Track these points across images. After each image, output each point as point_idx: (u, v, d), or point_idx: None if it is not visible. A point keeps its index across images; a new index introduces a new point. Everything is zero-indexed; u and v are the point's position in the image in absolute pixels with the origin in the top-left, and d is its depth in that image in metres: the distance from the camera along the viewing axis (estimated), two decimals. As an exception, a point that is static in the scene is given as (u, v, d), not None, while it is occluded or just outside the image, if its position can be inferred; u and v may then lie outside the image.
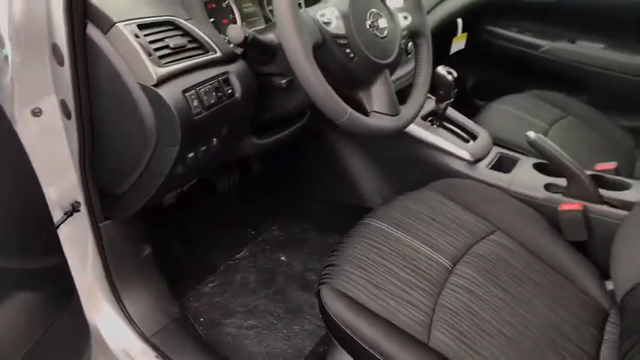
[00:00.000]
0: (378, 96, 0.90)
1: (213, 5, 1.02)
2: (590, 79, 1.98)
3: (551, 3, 1.99)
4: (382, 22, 0.90)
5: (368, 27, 0.88)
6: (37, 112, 0.87)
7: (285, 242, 1.59)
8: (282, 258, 1.54)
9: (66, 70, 0.83)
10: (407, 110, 0.96)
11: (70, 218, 1.00)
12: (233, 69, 0.93)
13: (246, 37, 0.84)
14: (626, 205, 1.09)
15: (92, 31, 0.81)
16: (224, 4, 1.04)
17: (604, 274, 1.05)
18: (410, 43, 1.04)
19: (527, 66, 2.10)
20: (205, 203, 1.57)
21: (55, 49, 0.83)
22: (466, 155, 1.29)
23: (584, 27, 1.99)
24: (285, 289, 1.42)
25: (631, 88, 1.87)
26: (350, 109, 0.82)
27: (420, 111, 1.02)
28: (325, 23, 0.84)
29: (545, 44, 2.04)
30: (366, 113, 0.89)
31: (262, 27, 1.09)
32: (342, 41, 0.85)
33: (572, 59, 2.00)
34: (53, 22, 0.80)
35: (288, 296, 1.40)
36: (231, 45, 0.94)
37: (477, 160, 1.30)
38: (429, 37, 1.05)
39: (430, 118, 1.38)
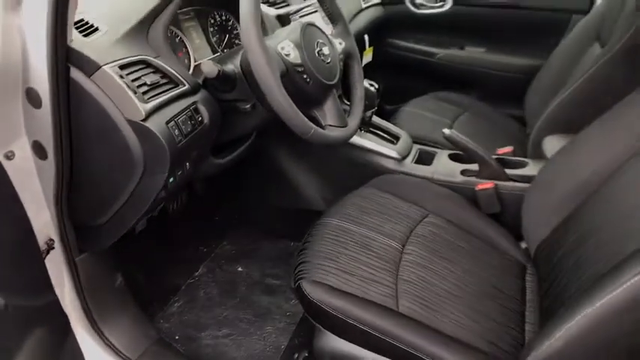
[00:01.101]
0: (329, 112, 1.07)
1: (169, 40, 1.11)
2: (478, 79, 2.31)
3: (442, 16, 2.28)
4: (326, 50, 1.07)
5: (317, 55, 1.04)
6: (9, 156, 0.90)
7: (239, 254, 1.70)
8: (240, 269, 1.64)
9: (44, 113, 0.88)
10: (352, 121, 1.14)
11: (48, 255, 1.03)
12: (199, 98, 1.03)
13: (219, 71, 0.97)
14: (527, 179, 1.34)
15: (75, 74, 0.87)
16: (177, 40, 1.14)
17: (518, 236, 1.28)
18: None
19: (426, 72, 2.39)
20: (157, 227, 1.63)
21: (30, 93, 0.87)
22: (394, 154, 1.48)
23: (470, 36, 2.32)
24: (249, 297, 1.52)
25: (510, 83, 2.21)
26: (314, 126, 0.97)
27: (361, 119, 1.19)
28: (286, 55, 0.98)
29: (440, 52, 2.34)
30: (322, 127, 1.05)
31: (217, 58, 1.19)
32: (299, 69, 1.00)
33: (462, 63, 2.32)
34: (30, 67, 0.85)
35: (253, 302, 1.50)
36: (201, 76, 1.05)
37: (404, 158, 1.50)
38: (358, 57, 1.23)
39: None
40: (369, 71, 2.21)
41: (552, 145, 1.44)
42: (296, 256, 1.13)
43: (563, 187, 1.14)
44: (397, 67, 2.43)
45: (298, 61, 0.99)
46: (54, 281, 1.05)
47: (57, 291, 1.08)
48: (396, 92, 2.25)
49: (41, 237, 1.01)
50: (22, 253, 0.97)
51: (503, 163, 1.44)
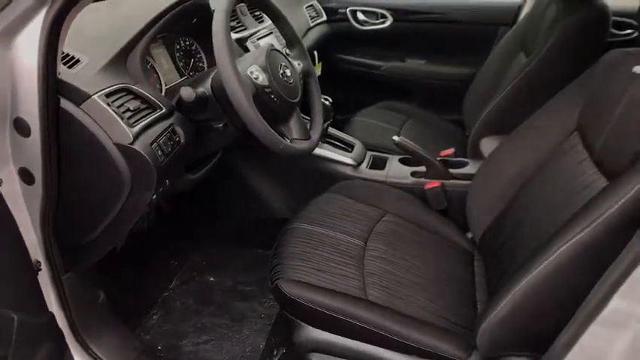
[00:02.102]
0: (295, 127, 1.19)
1: (143, 68, 1.18)
2: (419, 88, 2.51)
3: (383, 32, 2.48)
4: (288, 72, 1.19)
5: (281, 76, 1.16)
6: None
7: (209, 265, 1.78)
8: (212, 279, 1.72)
9: (33, 141, 0.93)
10: (314, 133, 1.26)
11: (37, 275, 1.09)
12: (175, 120, 1.13)
13: (196, 96, 1.07)
14: (469, 177, 1.51)
15: (65, 104, 0.94)
16: (148, 66, 1.23)
17: (464, 228, 1.45)
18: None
19: (372, 83, 2.56)
20: (130, 244, 1.68)
21: (18, 122, 0.93)
22: (351, 161, 1.62)
23: (410, 49, 2.52)
24: (224, 303, 1.61)
25: (448, 91, 2.42)
26: (283, 140, 1.09)
27: (322, 132, 1.32)
28: (255, 78, 1.10)
29: (383, 64, 2.53)
30: (289, 140, 1.18)
31: (188, 82, 1.27)
32: (267, 90, 1.11)
33: (404, 74, 2.52)
34: (19, 98, 0.90)
35: (228, 308, 1.59)
36: (174, 99, 1.14)
37: (359, 164, 1.64)
38: (316, 76, 1.36)
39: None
40: (319, 85, 2.37)
41: (488, 145, 1.63)
42: (270, 260, 1.23)
43: (500, 182, 1.31)
44: (345, 79, 2.59)
45: (266, 83, 1.11)
46: (46, 299, 1.09)
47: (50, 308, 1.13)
48: (345, 103, 2.39)
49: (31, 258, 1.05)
50: (22, 271, 1.01)
51: (447, 163, 1.61)
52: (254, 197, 1.74)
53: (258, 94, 1.09)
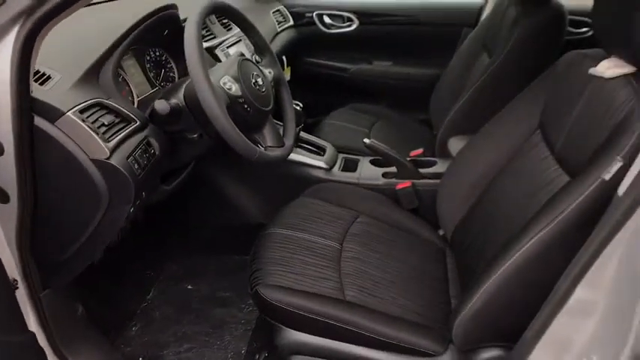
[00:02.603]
0: (268, 134, 1.22)
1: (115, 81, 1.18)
2: (386, 89, 2.56)
3: (350, 35, 2.52)
4: (260, 81, 1.21)
5: (253, 86, 1.18)
6: None
7: (186, 273, 1.78)
8: (189, 287, 1.72)
9: (6, 160, 0.92)
10: (288, 140, 1.29)
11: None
12: (149, 132, 1.14)
13: (170, 108, 1.08)
14: (438, 176, 1.56)
15: (39, 121, 0.94)
16: (120, 79, 1.23)
17: (435, 225, 1.50)
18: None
19: (341, 85, 2.60)
20: (106, 256, 1.67)
21: None
22: (323, 165, 1.65)
23: (376, 51, 2.57)
24: (204, 311, 1.62)
25: (415, 92, 2.47)
26: (258, 149, 1.11)
27: (295, 137, 1.35)
28: (228, 89, 1.12)
29: (351, 67, 2.58)
30: (264, 149, 1.20)
31: (160, 94, 1.27)
32: (240, 100, 1.13)
33: (371, 76, 2.57)
34: None
35: (208, 316, 1.60)
36: (147, 111, 1.15)
37: (331, 167, 1.67)
38: (286, 83, 1.39)
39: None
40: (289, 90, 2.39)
41: (456, 144, 1.68)
42: (249, 266, 1.25)
43: (468, 180, 1.36)
44: (314, 83, 2.63)
45: (239, 93, 1.13)
46: (25, 317, 1.08)
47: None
48: (315, 106, 2.43)
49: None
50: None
51: (417, 163, 1.66)
52: (228, 204, 1.75)
53: (232, 105, 1.11)
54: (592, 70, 0.96)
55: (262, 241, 1.31)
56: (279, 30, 2.27)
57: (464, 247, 1.30)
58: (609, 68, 0.92)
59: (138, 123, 1.10)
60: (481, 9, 2.32)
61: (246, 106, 1.14)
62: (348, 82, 2.59)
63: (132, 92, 1.26)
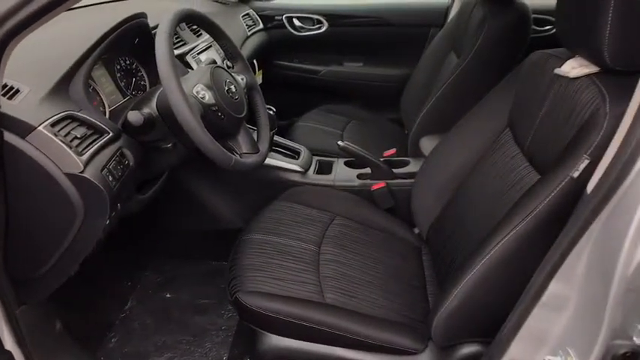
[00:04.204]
0: (243, 141, 1.22)
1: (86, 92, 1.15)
2: (358, 90, 2.59)
3: (320, 37, 2.53)
4: (233, 88, 1.21)
5: (226, 93, 1.17)
6: None
7: (164, 281, 1.76)
8: (168, 295, 1.70)
9: None
10: (262, 146, 1.29)
11: None
12: (123, 143, 1.12)
13: (144, 119, 1.07)
14: (411, 175, 1.59)
15: (9, 137, 0.91)
16: (90, 89, 1.20)
17: (411, 224, 1.52)
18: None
19: (313, 87, 2.62)
20: (81, 268, 1.64)
21: None
22: (298, 168, 1.66)
23: (347, 53, 2.59)
24: (183, 319, 1.60)
25: (386, 92, 2.51)
26: (234, 157, 1.11)
27: (270, 142, 1.35)
28: (202, 98, 1.11)
29: (322, 69, 2.59)
30: (238, 155, 1.20)
31: (132, 103, 1.25)
32: (214, 108, 1.13)
33: (343, 77, 2.59)
34: None
35: (188, 324, 1.59)
36: (119, 121, 1.13)
37: (306, 170, 1.68)
38: (259, 89, 1.39)
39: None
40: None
41: (428, 144, 1.71)
42: (228, 273, 1.25)
43: (441, 179, 1.39)
44: (286, 85, 2.63)
45: (212, 101, 1.12)
46: (0, 336, 1.06)
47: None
48: (287, 109, 2.43)
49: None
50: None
51: (390, 163, 1.68)
52: (204, 209, 1.74)
53: (206, 114, 1.10)
54: (557, 70, 0.99)
55: (240, 247, 1.31)
56: (249, 34, 2.27)
57: (439, 244, 1.32)
58: (574, 68, 0.95)
59: (111, 134, 1.09)
60: (448, 9, 2.36)
61: (220, 114, 1.14)
62: (320, 83, 2.61)
63: (103, 102, 1.24)
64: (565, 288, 0.79)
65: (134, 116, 1.08)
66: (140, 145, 1.18)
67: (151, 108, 1.16)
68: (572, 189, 0.84)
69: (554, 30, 2.19)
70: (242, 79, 1.32)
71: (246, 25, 2.30)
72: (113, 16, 1.26)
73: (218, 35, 1.31)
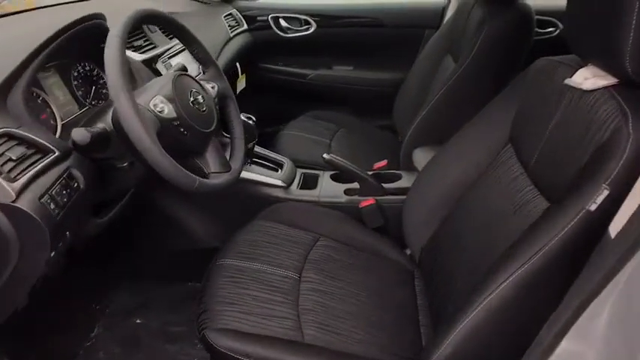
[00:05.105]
0: (212, 159, 1.07)
1: (30, 104, 1.02)
2: (348, 95, 2.46)
3: (308, 39, 2.38)
4: (200, 98, 1.07)
5: (191, 105, 1.03)
6: None
7: (135, 305, 1.62)
8: (138, 321, 1.57)
9: None
10: (235, 163, 1.15)
11: None
12: (72, 163, 0.97)
13: (92, 136, 0.93)
14: (403, 191, 1.45)
15: None
16: (39, 100, 1.06)
17: (402, 244, 1.39)
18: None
19: (300, 92, 2.48)
20: (39, 297, 1.51)
21: None
22: (279, 183, 1.52)
23: (336, 55, 2.45)
24: (154, 348, 1.47)
25: (378, 97, 2.38)
26: (198, 178, 0.97)
27: (244, 159, 1.21)
28: (160, 112, 0.97)
29: (310, 73, 2.45)
30: (206, 175, 1.06)
31: (86, 118, 1.13)
32: (175, 123, 0.99)
33: (332, 82, 2.45)
34: None
35: (158, 354, 1.46)
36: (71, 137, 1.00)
37: (289, 185, 1.55)
38: (233, 97, 1.25)
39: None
40: (244, 98, 2.25)
41: (421, 156, 1.58)
42: (196, 305, 1.12)
43: (435, 197, 1.26)
44: (272, 90, 2.50)
45: (173, 115, 0.99)
46: None
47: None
48: (273, 115, 2.31)
49: None
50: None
51: (380, 177, 1.55)
52: (179, 228, 1.60)
53: (165, 129, 0.97)
54: (568, 81, 0.86)
55: (211, 275, 1.18)
56: (231, 35, 2.13)
57: (433, 269, 1.19)
58: (587, 79, 0.82)
59: (57, 153, 0.94)
60: (444, 9, 2.24)
61: (182, 129, 1.00)
62: (307, 88, 2.46)
63: (54, 115, 1.10)
64: (581, 344, 0.66)
65: (79, 135, 0.94)
66: (94, 163, 1.04)
67: (105, 122, 1.02)
68: (588, 224, 0.71)
69: (556, 32, 2.08)
70: (213, 87, 1.18)
71: (229, 25, 2.16)
72: (68, 17, 1.12)
73: (186, 39, 1.17)
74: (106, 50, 0.90)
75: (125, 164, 1.05)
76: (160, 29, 1.60)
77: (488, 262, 0.89)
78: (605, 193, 0.69)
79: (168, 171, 0.90)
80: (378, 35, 2.34)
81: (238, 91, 2.21)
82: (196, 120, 1.03)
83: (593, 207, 0.70)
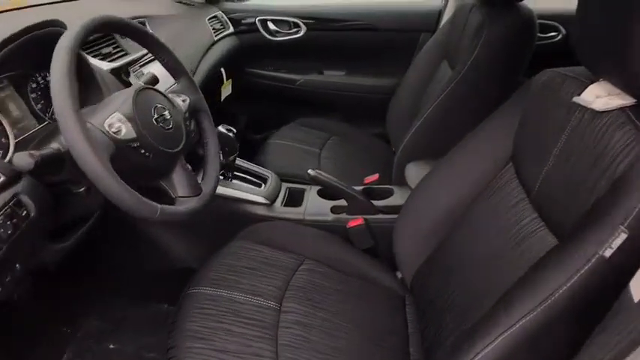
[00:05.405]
0: (179, 182, 0.96)
1: None
2: (339, 101, 2.34)
3: (298, 42, 2.27)
4: (167, 114, 0.96)
5: (155, 123, 0.93)
6: None
7: (109, 328, 1.52)
8: (111, 346, 1.47)
9: None
10: (207, 185, 1.04)
11: None
12: (21, 188, 0.86)
13: (36, 162, 0.81)
14: (395, 209, 1.34)
15: None
16: None
17: (393, 267, 1.28)
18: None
19: (289, 98, 2.37)
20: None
21: None
22: (262, 199, 1.41)
23: (327, 60, 2.34)
24: (126, 377, 1.38)
25: (371, 104, 2.27)
26: (159, 206, 0.86)
27: (217, 180, 1.10)
28: (115, 133, 0.86)
29: (299, 78, 2.33)
30: (172, 200, 0.95)
31: (46, 127, 1.03)
32: (134, 144, 0.88)
33: (323, 87, 2.33)
34: None
35: (131, 383, 1.36)
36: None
37: (273, 201, 1.44)
38: (208, 111, 1.14)
39: (222, 172, 1.47)
40: (229, 104, 2.15)
41: (414, 172, 1.47)
42: (167, 339, 1.02)
43: (429, 217, 1.16)
44: (259, 96, 2.39)
45: (132, 135, 0.88)
46: None
47: None
48: (261, 122, 2.21)
49: None
50: None
51: (371, 193, 1.44)
52: (154, 247, 1.49)
53: (120, 152, 0.86)
54: (577, 99, 0.76)
55: (183, 305, 1.08)
56: (216, 39, 2.02)
57: (425, 298, 1.09)
58: (599, 97, 0.72)
59: (2, 179, 0.84)
60: (440, 12, 2.13)
61: (143, 150, 0.89)
62: (297, 94, 2.35)
63: (6, 132, 0.99)
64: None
65: (21, 159, 0.82)
66: (48, 187, 0.93)
67: (60, 142, 0.91)
68: (602, 273, 0.61)
69: (559, 37, 1.98)
70: (183, 100, 1.07)
71: (214, 28, 2.04)
72: (22, 23, 1.01)
73: (153, 47, 1.07)
74: (52, 63, 0.79)
75: (82, 189, 0.94)
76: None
77: (484, 304, 0.80)
78: (623, 236, 0.59)
79: (122, 200, 0.80)
80: (371, 39, 2.23)
81: (224, 97, 2.11)
82: (160, 140, 0.92)
83: (608, 252, 0.60)
